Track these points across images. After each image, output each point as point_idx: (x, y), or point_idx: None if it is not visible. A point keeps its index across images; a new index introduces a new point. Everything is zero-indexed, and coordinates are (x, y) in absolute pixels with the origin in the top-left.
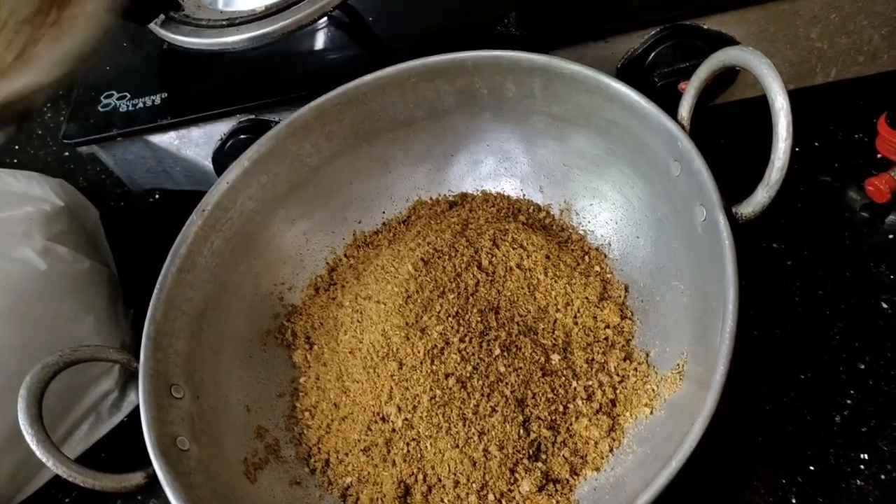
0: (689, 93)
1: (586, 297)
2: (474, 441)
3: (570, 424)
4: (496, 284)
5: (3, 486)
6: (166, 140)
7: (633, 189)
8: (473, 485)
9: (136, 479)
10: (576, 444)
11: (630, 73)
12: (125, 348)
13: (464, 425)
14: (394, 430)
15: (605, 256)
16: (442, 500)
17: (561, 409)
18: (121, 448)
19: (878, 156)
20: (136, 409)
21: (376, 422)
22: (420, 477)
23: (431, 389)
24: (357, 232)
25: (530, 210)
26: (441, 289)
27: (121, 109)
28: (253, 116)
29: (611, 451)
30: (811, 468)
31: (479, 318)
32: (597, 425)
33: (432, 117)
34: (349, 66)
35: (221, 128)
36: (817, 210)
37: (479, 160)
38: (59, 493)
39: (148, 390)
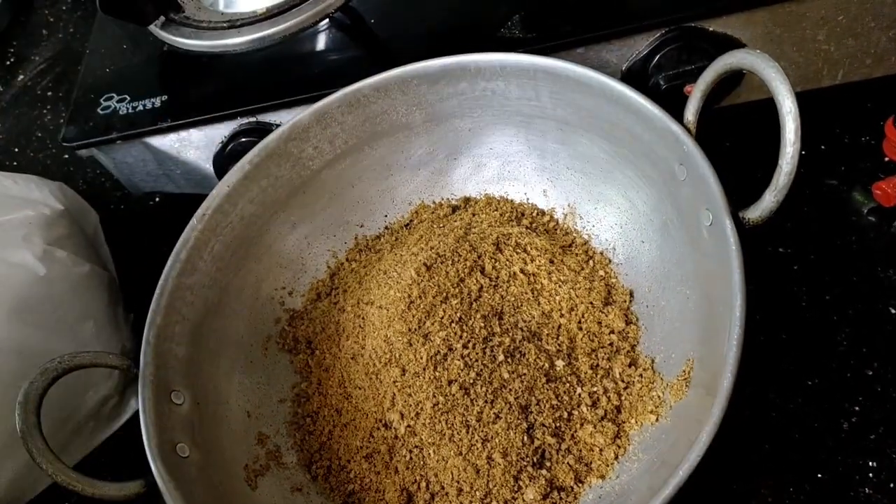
0: (695, 96)
1: (591, 302)
2: (478, 448)
3: (575, 431)
4: (499, 289)
5: (3, 491)
6: (166, 143)
7: (638, 193)
8: (477, 493)
9: (136, 486)
10: (580, 451)
11: (635, 75)
12: (125, 353)
13: (467, 432)
14: (396, 436)
15: (610, 261)
16: None
17: (565, 415)
18: (121, 453)
19: (886, 159)
20: (137, 414)
21: (379, 428)
22: (423, 484)
23: (434, 396)
24: (359, 236)
25: (534, 214)
26: (444, 294)
27: (120, 112)
28: (254, 119)
29: (616, 458)
30: (819, 475)
31: (482, 324)
32: (602, 432)
33: (435, 120)
34: (351, 69)
35: (222, 130)
36: (824, 214)
37: (482, 164)
38: (59, 500)
39: (147, 396)
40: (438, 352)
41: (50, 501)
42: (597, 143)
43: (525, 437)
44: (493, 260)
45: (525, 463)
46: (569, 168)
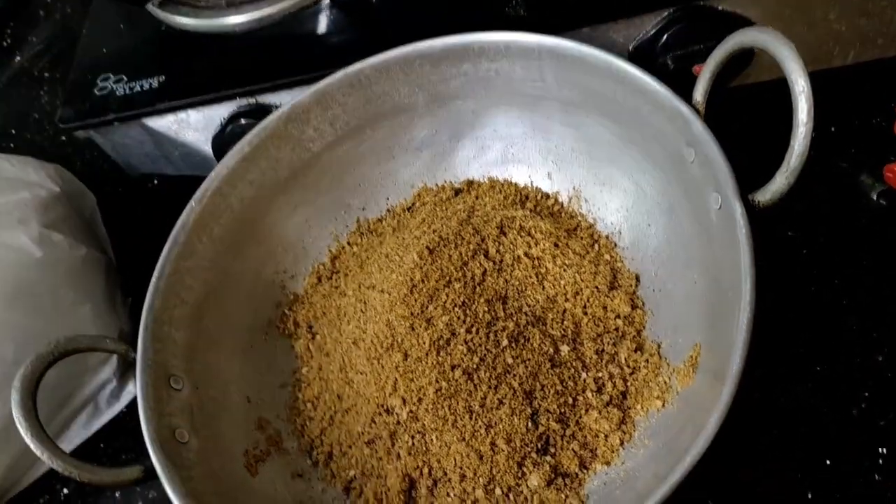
0: (704, 76)
1: (596, 287)
2: (481, 434)
3: (580, 417)
4: (503, 273)
5: (0, 477)
6: (164, 124)
7: (645, 175)
8: (480, 479)
9: (134, 472)
10: (585, 437)
11: (642, 55)
12: (123, 337)
13: (470, 418)
14: (398, 422)
15: (615, 245)
16: (448, 495)
17: (570, 401)
18: (120, 438)
19: None
20: (136, 399)
21: (380, 414)
22: (425, 471)
23: (437, 381)
24: (360, 219)
25: (538, 197)
26: (447, 278)
27: (118, 93)
28: (253, 100)
29: (621, 444)
30: (827, 462)
31: (485, 308)
32: (607, 418)
33: (437, 101)
34: (352, 49)
35: (221, 111)
36: (834, 197)
37: (486, 146)
38: (57, 484)
39: (146, 381)
40: (441, 336)
41: (47, 488)
42: (603, 125)
43: (529, 423)
44: (496, 243)
45: (529, 449)
46: (574, 150)
